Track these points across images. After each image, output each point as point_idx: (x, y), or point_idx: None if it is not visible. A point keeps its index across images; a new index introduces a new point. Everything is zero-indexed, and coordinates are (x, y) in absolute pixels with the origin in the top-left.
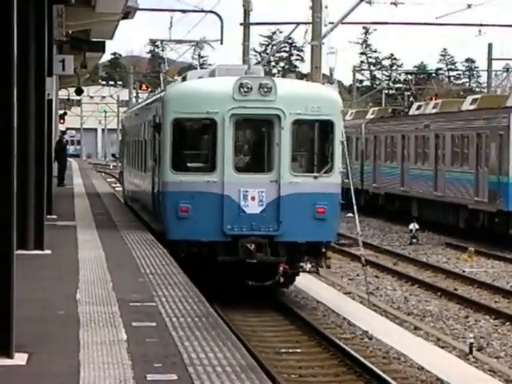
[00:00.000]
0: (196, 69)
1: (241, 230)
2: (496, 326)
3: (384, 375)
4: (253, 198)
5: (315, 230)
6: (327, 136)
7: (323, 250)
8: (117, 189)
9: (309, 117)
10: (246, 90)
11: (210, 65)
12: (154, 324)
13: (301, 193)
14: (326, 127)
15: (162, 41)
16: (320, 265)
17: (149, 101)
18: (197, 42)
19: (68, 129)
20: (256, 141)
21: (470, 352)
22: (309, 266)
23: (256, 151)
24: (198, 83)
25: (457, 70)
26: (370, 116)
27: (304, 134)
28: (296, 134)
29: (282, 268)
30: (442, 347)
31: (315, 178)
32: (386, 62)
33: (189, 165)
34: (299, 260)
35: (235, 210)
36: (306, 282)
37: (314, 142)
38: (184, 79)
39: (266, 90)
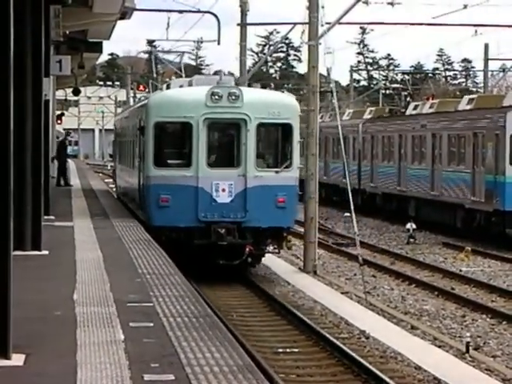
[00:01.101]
0: (181, 76)
1: (213, 217)
2: (493, 325)
3: (381, 374)
4: (223, 190)
5: (277, 217)
6: (287, 137)
7: (284, 234)
8: (114, 189)
9: (271, 120)
10: (216, 97)
11: (207, 65)
12: (151, 324)
13: (264, 185)
14: (286, 129)
15: (155, 52)
16: (281, 247)
17: (136, 106)
18: (182, 52)
19: (65, 129)
20: (226, 141)
21: (467, 351)
22: (271, 247)
23: (226, 150)
24: (176, 92)
25: (453, 70)
26: (367, 116)
27: (267, 135)
28: (260, 135)
29: (248, 249)
30: (439, 346)
31: (276, 172)
32: (383, 62)
33: (168, 161)
34: (263, 243)
35: (208, 200)
36: (303, 281)
37: (276, 142)
38: (168, 87)
39: (234, 97)
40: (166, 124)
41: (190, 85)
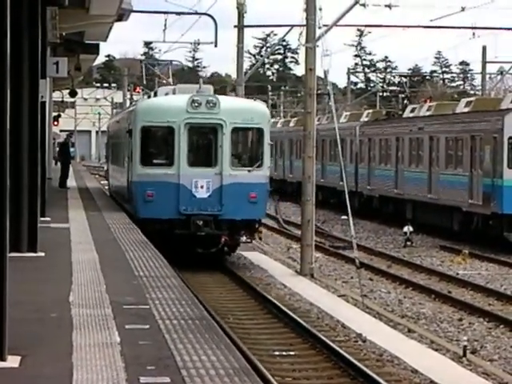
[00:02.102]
0: (170, 83)
1: (192, 210)
2: (490, 328)
3: (378, 378)
4: (202, 186)
5: (249, 211)
6: (258, 139)
7: (256, 226)
8: (108, 188)
9: (244, 125)
10: (196, 104)
11: (204, 67)
12: (147, 326)
13: (238, 182)
14: (258, 133)
15: (145, 62)
16: (253, 237)
17: (125, 112)
18: (170, 61)
19: (62, 130)
20: (204, 143)
21: (464, 355)
22: (244, 238)
23: (204, 151)
24: (160, 99)
25: (451, 72)
26: (364, 118)
27: (241, 138)
28: (234, 138)
29: (223, 239)
30: (436, 350)
31: (249, 171)
32: (381, 65)
33: (154, 161)
34: (237, 233)
35: (188, 195)
36: (300, 284)
37: (249, 144)
38: (155, 94)
39: (211, 104)
40: (152, 128)
41: (174, 93)
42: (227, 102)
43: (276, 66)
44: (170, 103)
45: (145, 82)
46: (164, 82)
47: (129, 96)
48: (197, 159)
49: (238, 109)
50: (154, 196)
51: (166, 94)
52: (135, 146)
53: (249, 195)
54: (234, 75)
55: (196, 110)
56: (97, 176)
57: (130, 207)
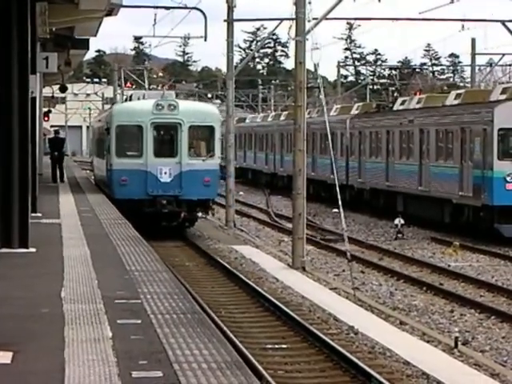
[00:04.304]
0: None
1: (158, 192)
2: (481, 319)
3: (370, 370)
4: (165, 173)
5: (204, 192)
6: (210, 135)
7: (210, 204)
8: (93, 177)
9: (199, 124)
10: (160, 107)
11: (194, 61)
12: (139, 321)
13: (194, 169)
14: (210, 130)
15: (124, 68)
16: (207, 213)
17: (104, 113)
18: (145, 67)
19: (52, 126)
20: (167, 138)
21: (456, 346)
22: (200, 214)
23: (167, 144)
24: (131, 103)
25: (441, 65)
26: (354, 111)
27: (196, 134)
28: (191, 134)
29: (183, 215)
30: (428, 341)
31: (203, 160)
32: (371, 58)
33: (127, 153)
34: (194, 210)
35: (154, 180)
36: (292, 277)
37: (203, 139)
38: (131, 98)
39: (172, 107)
40: (125, 126)
41: (144, 97)
42: (185, 105)
43: (266, 60)
44: (139, 106)
45: (123, 86)
46: (155, 76)
47: (119, 91)
48: (161, 151)
49: (194, 111)
50: (127, 181)
51: (138, 98)
52: (112, 141)
53: (203, 179)
54: (224, 69)
55: (160, 112)
56: (87, 171)
57: (109, 190)
